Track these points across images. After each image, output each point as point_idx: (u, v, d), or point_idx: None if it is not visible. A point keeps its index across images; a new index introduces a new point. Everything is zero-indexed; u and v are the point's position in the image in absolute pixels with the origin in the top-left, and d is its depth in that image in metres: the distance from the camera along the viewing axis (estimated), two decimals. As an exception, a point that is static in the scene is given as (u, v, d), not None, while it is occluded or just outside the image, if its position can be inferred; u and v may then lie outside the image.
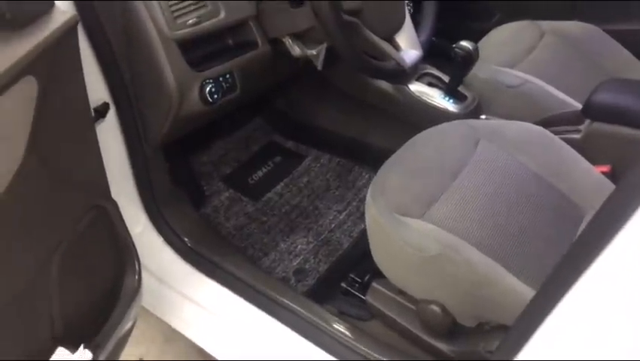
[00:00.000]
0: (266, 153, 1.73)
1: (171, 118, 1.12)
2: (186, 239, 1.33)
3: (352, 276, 1.29)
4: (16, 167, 0.82)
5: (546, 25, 1.67)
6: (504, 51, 1.59)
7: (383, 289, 1.20)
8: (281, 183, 1.63)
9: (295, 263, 1.42)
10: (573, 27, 1.67)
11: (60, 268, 0.95)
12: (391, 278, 1.13)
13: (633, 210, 0.52)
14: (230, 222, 1.52)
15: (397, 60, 1.15)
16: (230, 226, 1.51)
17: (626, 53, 1.58)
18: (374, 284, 1.21)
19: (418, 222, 1.03)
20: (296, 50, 1.18)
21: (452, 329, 1.09)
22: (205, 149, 1.66)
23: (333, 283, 1.36)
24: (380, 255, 1.13)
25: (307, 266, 1.41)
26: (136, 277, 1.11)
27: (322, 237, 1.48)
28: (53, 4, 0.87)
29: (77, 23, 0.88)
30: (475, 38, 1.59)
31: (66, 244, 0.96)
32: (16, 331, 0.89)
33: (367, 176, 1.63)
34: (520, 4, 1.94)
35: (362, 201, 1.57)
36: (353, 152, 1.66)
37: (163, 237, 1.31)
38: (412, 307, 1.13)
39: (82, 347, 0.93)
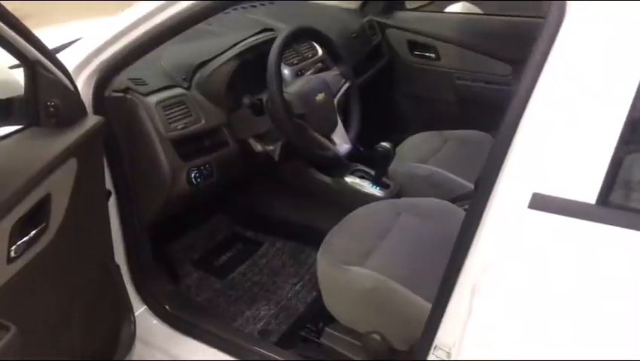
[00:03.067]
0: (229, 242, 2.04)
1: (164, 196, 1.44)
2: (166, 306, 1.57)
3: (309, 326, 1.57)
4: (57, 227, 1.11)
5: (448, 133, 2.16)
6: (417, 152, 2.03)
7: (335, 333, 1.48)
8: (244, 265, 1.92)
9: (259, 325, 1.68)
10: (471, 134, 2.16)
11: (80, 312, 1.20)
12: (340, 318, 1.42)
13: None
14: (201, 296, 1.78)
15: (333, 151, 1.55)
16: (201, 299, 1.77)
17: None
18: (327, 329, 1.49)
19: (357, 268, 1.35)
20: (258, 147, 1.57)
21: (391, 356, 1.37)
22: (176, 239, 1.95)
23: (293, 336, 1.63)
24: (330, 299, 1.43)
25: (270, 327, 1.67)
26: (132, 326, 1.35)
27: (281, 304, 1.76)
28: (86, 113, 1.22)
29: (104, 125, 1.23)
30: (395, 145, 2.04)
31: (84, 293, 1.22)
32: (49, 355, 1.11)
33: (314, 254, 1.95)
34: (428, 121, 2.47)
35: (313, 274, 1.88)
36: (303, 236, 1.99)
37: (147, 305, 1.56)
38: (359, 343, 1.42)
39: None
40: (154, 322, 1.56)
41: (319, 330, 1.55)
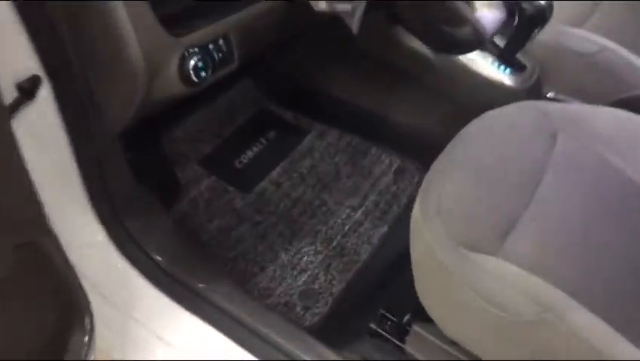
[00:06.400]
0: (257, 126, 1.36)
1: (135, 104, 0.74)
2: (158, 258, 0.97)
3: (383, 312, 0.98)
4: None
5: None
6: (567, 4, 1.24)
7: (430, 337, 0.90)
8: (278, 168, 1.27)
9: (301, 282, 1.09)
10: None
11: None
12: (448, 332, 0.82)
13: None
14: (214, 222, 1.17)
15: (473, 25, 0.78)
16: (214, 228, 1.16)
17: None
18: (417, 328, 0.91)
19: (497, 264, 0.72)
20: (321, 3, 0.80)
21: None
22: (177, 121, 1.28)
23: (353, 310, 1.06)
24: (433, 299, 0.83)
25: (317, 286, 1.09)
26: (86, 338, 0.76)
27: (334, 244, 1.15)
28: None
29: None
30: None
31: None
32: None
33: (387, 161, 1.29)
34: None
35: (382, 194, 1.24)
36: (370, 128, 1.31)
37: (126, 257, 0.96)
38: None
39: None
40: (140, 283, 0.98)
41: (401, 323, 0.96)
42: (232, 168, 1.27)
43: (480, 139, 0.89)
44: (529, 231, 0.75)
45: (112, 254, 0.96)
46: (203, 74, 0.73)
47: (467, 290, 0.74)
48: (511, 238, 0.74)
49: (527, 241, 0.74)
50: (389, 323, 0.96)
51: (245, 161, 1.29)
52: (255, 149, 1.31)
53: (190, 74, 0.71)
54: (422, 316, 0.89)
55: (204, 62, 0.73)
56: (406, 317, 0.94)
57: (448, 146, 0.89)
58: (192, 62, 0.71)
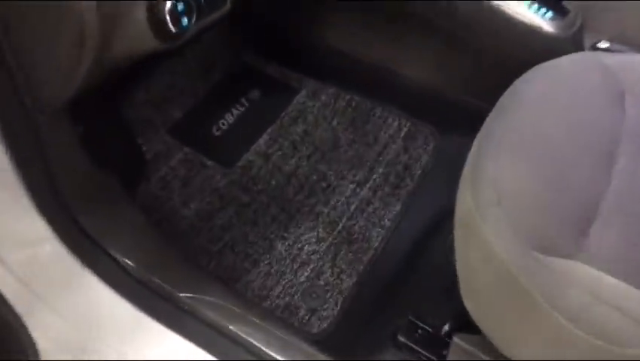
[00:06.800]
0: (236, 85, 1.13)
1: (85, 65, 0.51)
2: (125, 261, 0.76)
3: (412, 319, 0.79)
4: None
5: None
6: None
7: (479, 353, 0.73)
8: (265, 136, 1.05)
9: (303, 278, 0.90)
10: None
11: None
12: (509, 353, 0.66)
13: None
14: (191, 206, 0.95)
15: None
16: (191, 214, 0.94)
17: None
18: (459, 341, 0.74)
19: (584, 272, 0.55)
20: None
21: None
22: (140, 81, 1.03)
23: (368, 311, 0.88)
24: (490, 311, 0.67)
25: (322, 282, 0.90)
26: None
27: (339, 228, 0.96)
28: None
29: None
30: None
31: None
32: None
33: (395, 124, 1.08)
34: None
35: (391, 165, 1.04)
36: (374, 85, 1.09)
37: (84, 262, 0.74)
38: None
39: None
40: (104, 294, 0.76)
41: (437, 334, 0.78)
42: (209, 136, 1.04)
43: (537, 104, 0.71)
44: (615, 223, 0.59)
45: (64, 259, 0.74)
46: (185, 21, 0.50)
47: (542, 305, 0.57)
48: (594, 234, 0.57)
49: (616, 237, 0.58)
50: (420, 331, 0.79)
51: (224, 127, 1.06)
52: (236, 112, 1.08)
53: (165, 21, 0.48)
54: (464, 324, 0.72)
55: (185, 5, 0.49)
56: (445, 327, 0.76)
57: (493, 113, 0.71)
58: (168, 5, 0.48)
